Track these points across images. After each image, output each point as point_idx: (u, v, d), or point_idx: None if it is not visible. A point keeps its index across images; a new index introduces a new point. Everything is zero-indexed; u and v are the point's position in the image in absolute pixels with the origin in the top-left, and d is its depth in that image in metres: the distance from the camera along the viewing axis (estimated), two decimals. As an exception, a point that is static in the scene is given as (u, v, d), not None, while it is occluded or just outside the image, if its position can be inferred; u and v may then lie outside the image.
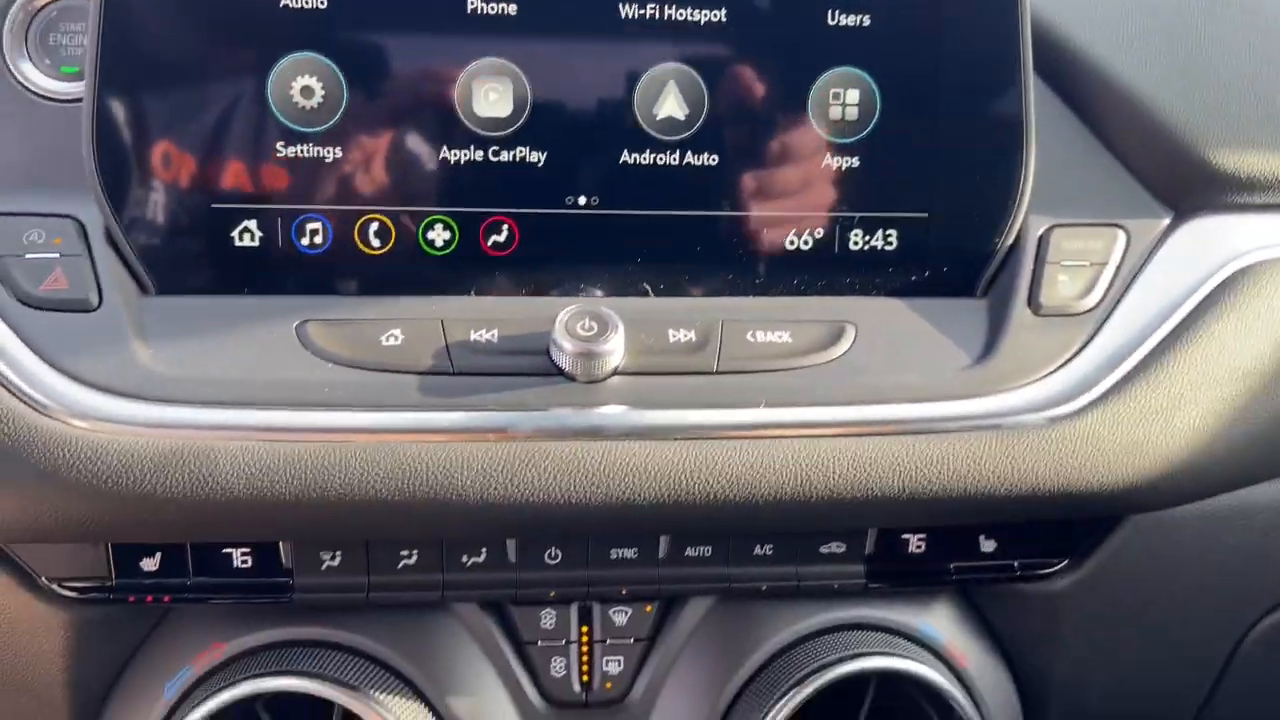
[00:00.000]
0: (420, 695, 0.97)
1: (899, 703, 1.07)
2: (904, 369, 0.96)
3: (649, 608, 1.02)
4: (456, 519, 0.88)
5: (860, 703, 1.05)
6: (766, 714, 0.98)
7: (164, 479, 0.84)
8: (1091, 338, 0.97)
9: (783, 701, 0.98)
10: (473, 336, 0.91)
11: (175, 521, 0.86)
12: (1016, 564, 1.02)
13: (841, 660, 0.99)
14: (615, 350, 0.89)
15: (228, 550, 0.94)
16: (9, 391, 0.86)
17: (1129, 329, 0.97)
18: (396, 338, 0.91)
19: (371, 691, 0.95)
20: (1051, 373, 0.96)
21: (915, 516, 0.95)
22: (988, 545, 1.02)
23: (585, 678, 1.02)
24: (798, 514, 0.92)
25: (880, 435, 0.92)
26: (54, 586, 0.93)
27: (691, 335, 0.94)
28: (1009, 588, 1.05)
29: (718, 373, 0.93)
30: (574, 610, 1.01)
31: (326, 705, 1.03)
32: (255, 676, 0.94)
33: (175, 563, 0.94)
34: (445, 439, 0.88)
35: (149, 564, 0.94)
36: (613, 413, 0.90)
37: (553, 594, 0.99)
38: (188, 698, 0.97)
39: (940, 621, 1.07)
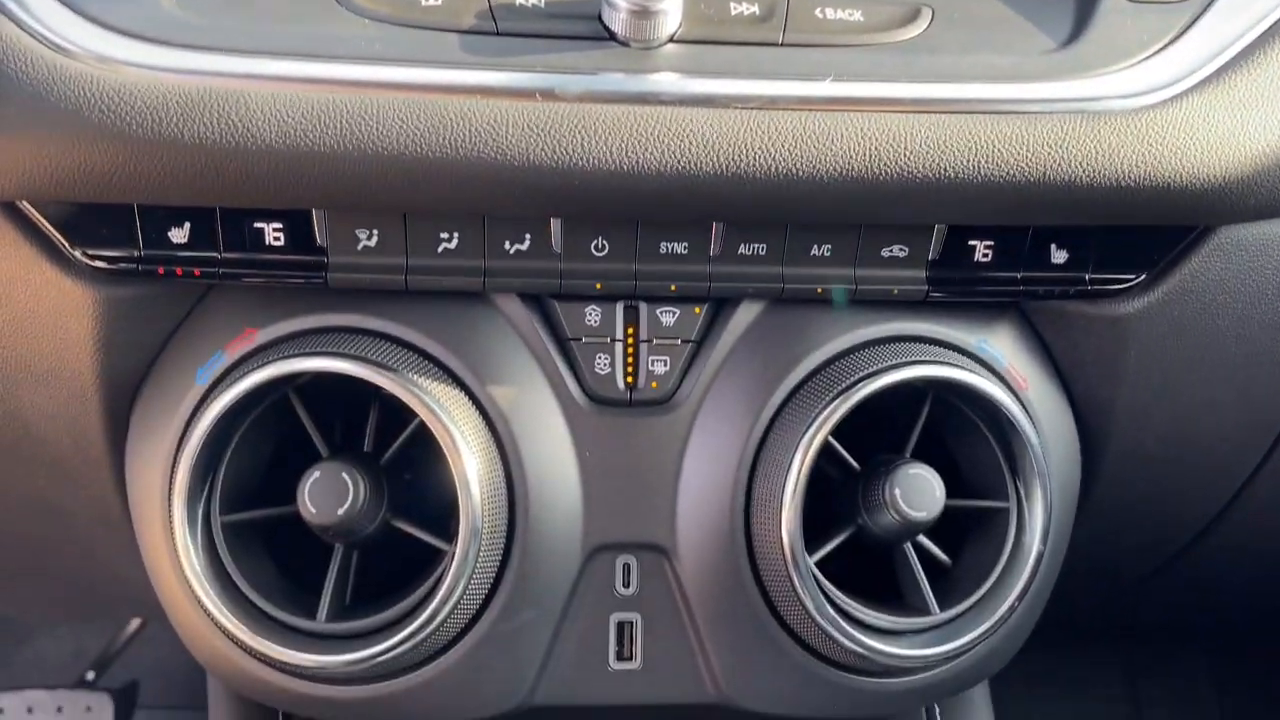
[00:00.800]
0: (460, 384, 0.94)
1: (952, 425, 1.04)
2: (984, 51, 0.89)
3: (698, 309, 0.97)
4: (498, 186, 0.83)
5: (913, 424, 1.01)
6: (815, 418, 0.94)
7: (192, 122, 0.80)
8: (1190, 25, 0.90)
9: (833, 406, 0.94)
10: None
11: (203, 173, 0.82)
12: (1088, 277, 0.97)
13: (896, 367, 0.95)
14: (671, 11, 0.83)
15: (259, 225, 0.90)
16: (30, 35, 0.81)
17: (1232, 16, 0.90)
18: None
19: (411, 375, 0.91)
20: (1145, 59, 0.89)
21: (988, 209, 0.89)
22: (1059, 256, 0.96)
23: (630, 377, 0.98)
24: (863, 197, 0.86)
25: (958, 114, 0.85)
26: (81, 257, 0.89)
27: (755, 8, 0.88)
28: (1076, 310, 1.00)
29: (783, 45, 0.87)
30: (619, 308, 0.97)
31: (362, 400, 1.01)
32: (288, 357, 0.91)
33: (205, 235, 0.89)
34: (489, 98, 0.82)
35: (178, 235, 0.89)
36: (668, 79, 0.84)
37: (599, 286, 0.94)
38: (220, 383, 0.94)
39: (1002, 342, 1.01)
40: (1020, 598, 0.98)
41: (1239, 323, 1.01)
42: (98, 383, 0.97)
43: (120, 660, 2.29)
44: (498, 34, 0.85)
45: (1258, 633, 2.31)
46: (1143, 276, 0.97)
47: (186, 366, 0.96)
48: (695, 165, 0.83)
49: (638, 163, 0.82)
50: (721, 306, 0.98)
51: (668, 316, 0.97)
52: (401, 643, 0.90)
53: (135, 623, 2.28)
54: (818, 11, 0.88)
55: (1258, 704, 2.32)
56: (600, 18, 0.85)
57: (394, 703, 0.96)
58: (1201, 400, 1.07)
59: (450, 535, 0.92)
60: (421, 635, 0.90)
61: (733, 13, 0.88)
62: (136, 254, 0.89)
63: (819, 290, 0.96)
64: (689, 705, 1.00)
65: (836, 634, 0.94)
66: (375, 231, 0.91)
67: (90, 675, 2.22)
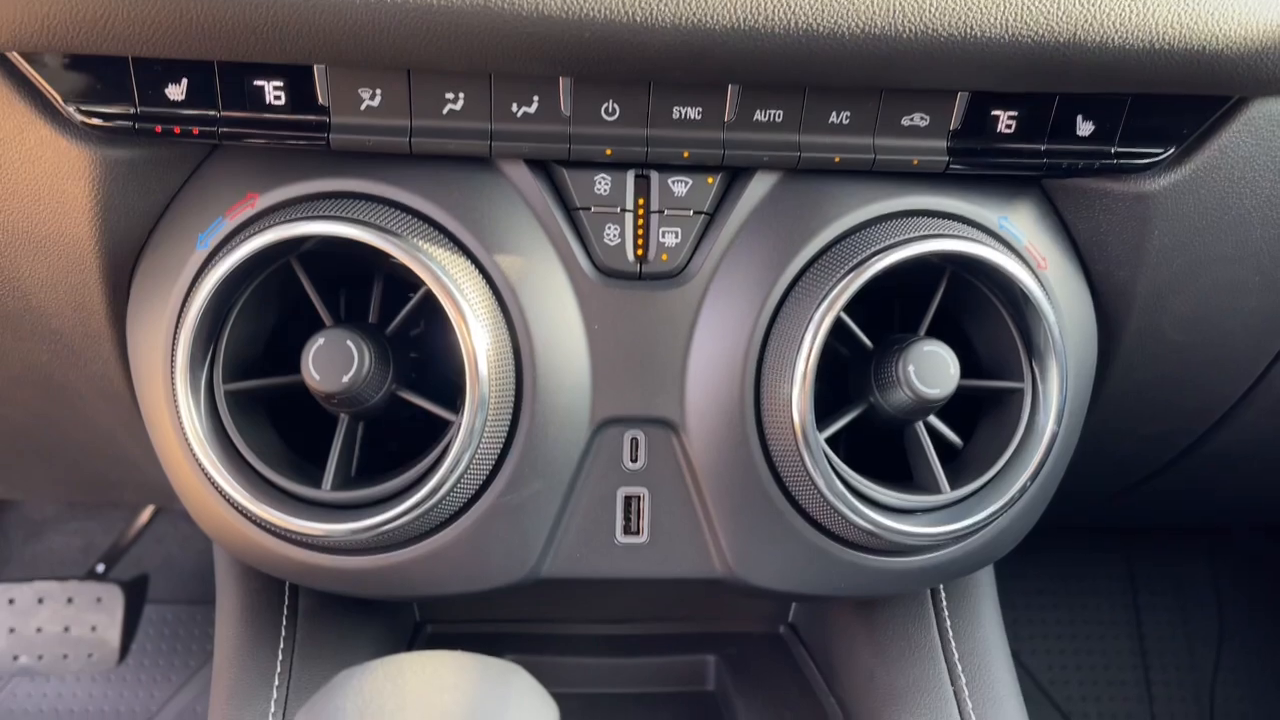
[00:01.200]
0: (467, 252, 0.92)
1: (968, 304, 1.02)
2: None
3: (711, 180, 0.94)
4: (505, 37, 0.80)
5: (928, 302, 0.99)
6: (829, 293, 0.91)
7: None
8: None
9: (847, 280, 0.91)
10: None
11: (199, 20, 0.78)
12: (1114, 150, 0.94)
13: (913, 241, 0.92)
14: None
15: (259, 83, 0.87)
16: None
17: None
18: None
19: (416, 241, 0.89)
20: None
21: (1015, 71, 0.86)
22: (1085, 128, 0.93)
23: (640, 249, 0.95)
24: (885, 57, 0.83)
25: None
26: (76, 115, 0.87)
27: None
28: (1099, 187, 0.97)
29: None
30: (630, 177, 0.94)
31: (366, 271, 0.99)
32: (290, 221, 0.89)
33: (203, 93, 0.87)
34: None
35: (175, 91, 0.86)
36: (683, -71, 0.80)
37: (608, 152, 0.91)
38: (222, 248, 0.92)
39: (1022, 220, 0.99)
40: (1032, 478, 0.97)
41: (1266, 203, 0.99)
42: (97, 249, 0.95)
43: (129, 556, 2.31)
44: None
45: (1257, 529, 2.32)
46: (1170, 151, 0.94)
47: (187, 232, 0.94)
48: (711, 17, 0.80)
49: (651, 13, 0.79)
50: (735, 177, 0.96)
51: (680, 186, 0.94)
52: (407, 512, 0.90)
53: (144, 518, 2.30)
54: None
55: (1256, 602, 2.35)
56: None
57: (401, 573, 0.96)
58: (1223, 284, 1.05)
59: (457, 409, 0.91)
60: (427, 505, 0.90)
61: None
62: (133, 111, 0.87)
63: (836, 160, 0.93)
64: (694, 580, 1.00)
65: (847, 511, 0.93)
66: (378, 91, 0.88)
67: (100, 568, 2.24)
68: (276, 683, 1.04)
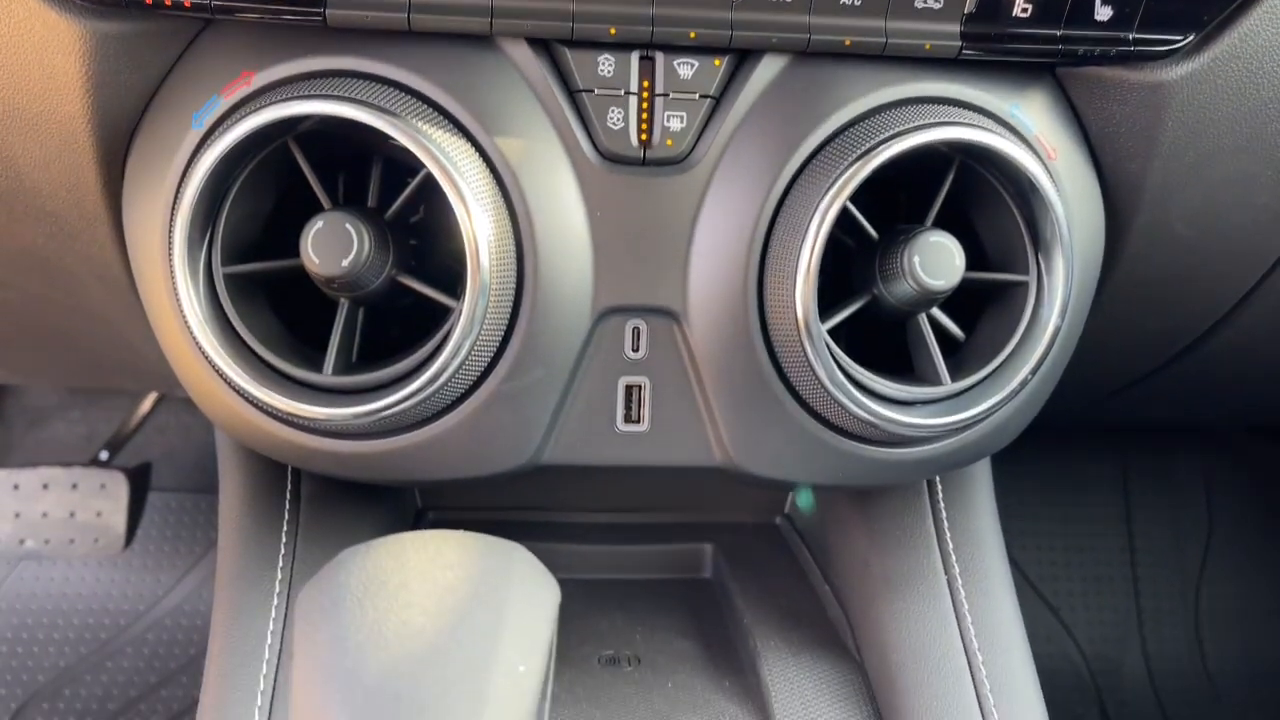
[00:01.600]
0: (467, 134, 0.90)
1: (975, 195, 1.00)
2: None
3: (718, 62, 0.92)
4: None
5: (935, 191, 0.97)
6: (836, 181, 0.90)
7: None
8: None
9: (855, 168, 0.90)
10: None
11: None
12: (1131, 36, 0.91)
13: (923, 128, 0.91)
14: None
15: None
16: None
17: None
18: None
19: (416, 122, 0.87)
20: None
21: None
22: (1103, 12, 0.90)
23: (644, 133, 0.94)
24: None
25: None
26: None
27: None
28: (1113, 75, 0.95)
29: None
30: (634, 58, 0.92)
31: (365, 154, 0.98)
32: (288, 100, 0.87)
33: None
34: None
35: None
36: None
37: (613, 31, 0.89)
38: (218, 127, 0.90)
39: (1033, 109, 0.97)
40: (1034, 371, 0.97)
41: None
42: (90, 127, 0.93)
43: (132, 444, 2.33)
44: None
45: (1253, 430, 2.35)
46: (1190, 38, 0.92)
47: (181, 110, 0.92)
48: None
49: None
50: (743, 60, 0.93)
51: (685, 69, 0.92)
52: (409, 397, 0.90)
53: (145, 407, 2.31)
54: None
55: (1245, 502, 2.38)
56: None
57: (402, 457, 0.97)
58: (1234, 177, 1.03)
59: (458, 295, 0.90)
60: (429, 390, 0.90)
61: None
62: None
63: (847, 43, 0.90)
64: (694, 468, 1.01)
65: (847, 402, 0.93)
66: None
67: (104, 455, 2.26)
68: (280, 564, 1.06)
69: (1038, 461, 2.33)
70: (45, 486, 2.19)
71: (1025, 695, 1.02)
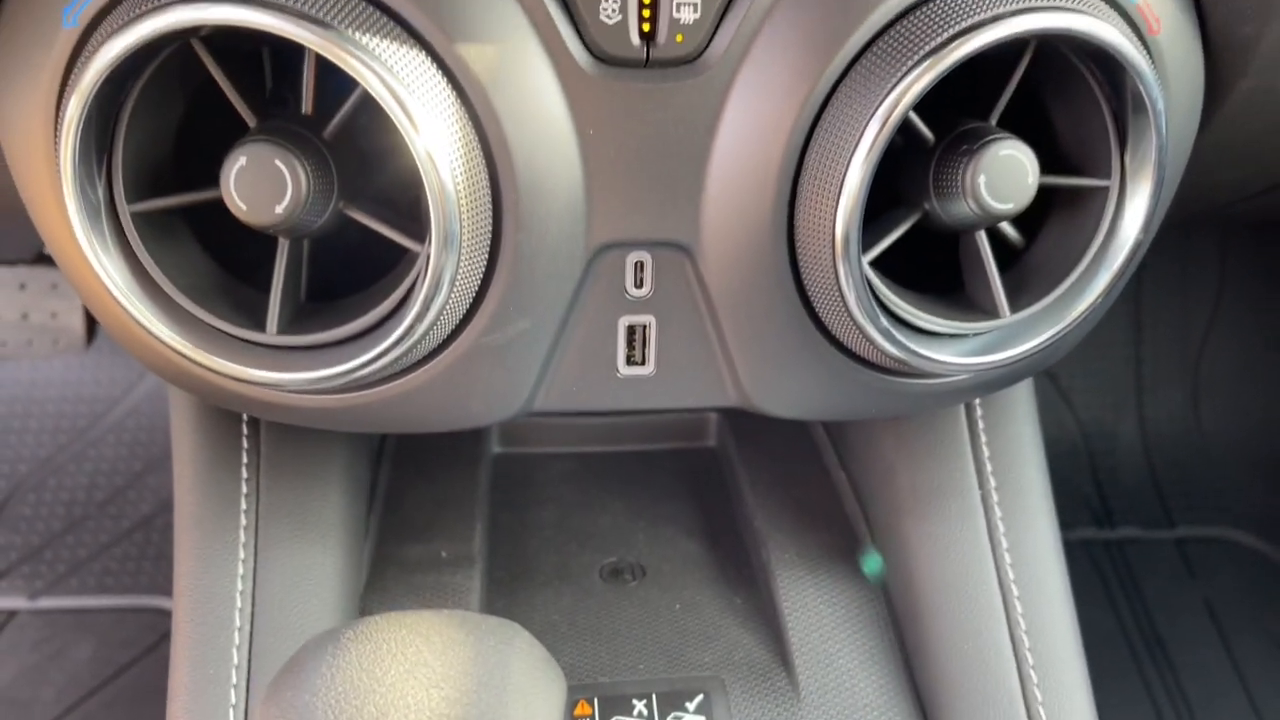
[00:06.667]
0: (419, 41, 0.70)
1: (1053, 78, 0.82)
2: None
3: (740, -70, 0.71)
4: None
5: (1005, 79, 0.79)
6: (898, 83, 0.71)
7: None
8: None
9: (919, 70, 0.71)
10: None
11: None
12: None
13: (996, 20, 0.71)
14: None
15: None
16: None
17: None
18: None
19: (351, 32, 0.67)
20: None
21: None
22: None
23: (646, 26, 0.73)
24: None
25: None
26: None
27: None
28: None
29: None
30: (634, -72, 0.70)
31: (293, 48, 0.77)
32: (187, 1, 0.66)
33: None
34: None
35: None
36: None
37: (606, -102, 0.67)
38: (97, 27, 0.70)
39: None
40: (1105, 294, 0.83)
41: None
42: None
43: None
44: None
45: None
46: None
47: (48, 3, 0.71)
48: None
49: None
50: None
51: None
52: (368, 363, 0.75)
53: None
54: None
55: (1256, 270, 2.30)
56: None
57: (370, 411, 0.83)
58: None
59: (422, 230, 0.73)
60: (393, 354, 0.75)
61: None
62: None
63: None
64: (705, 409, 0.88)
65: (887, 345, 0.79)
66: None
67: (48, 249, 2.09)
68: (244, 506, 0.95)
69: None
70: (22, 287, 2.03)
71: (1064, 646, 0.94)
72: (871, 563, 0.90)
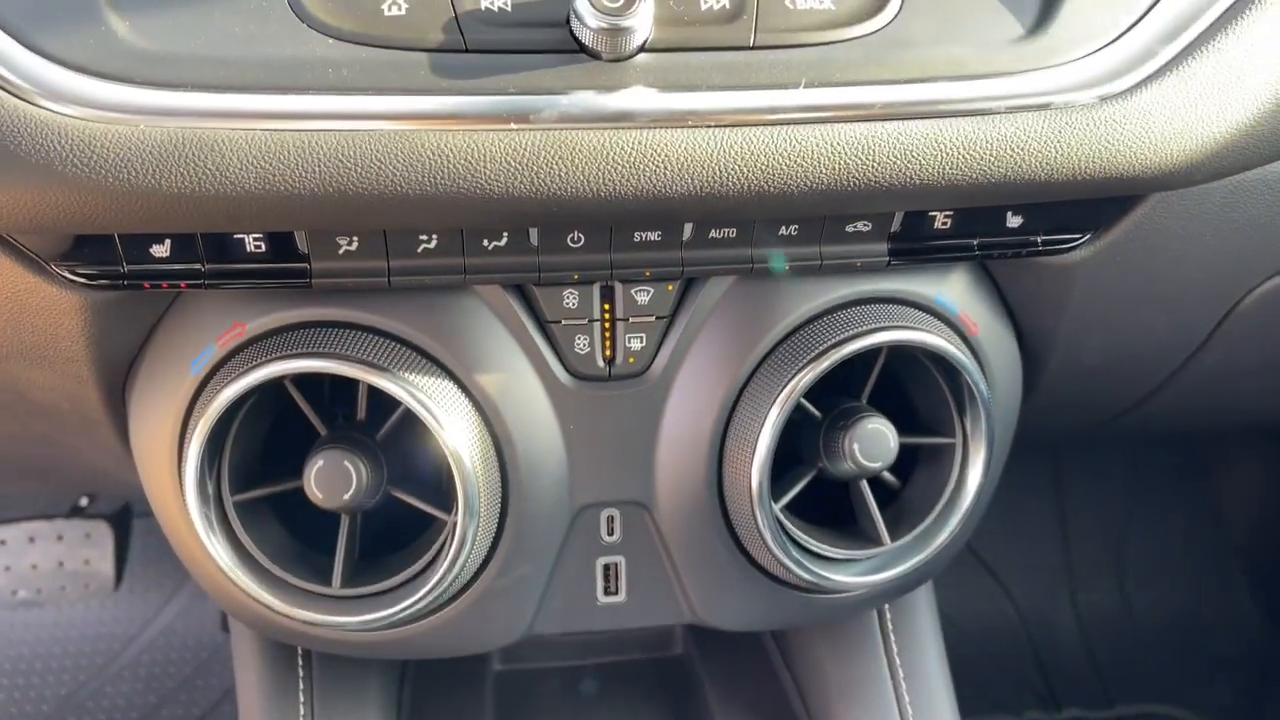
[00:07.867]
0: (448, 372, 0.99)
1: (907, 368, 1.11)
2: (951, 41, 0.89)
3: (670, 286, 1.02)
4: (478, 211, 0.85)
5: (869, 371, 1.08)
6: (785, 385, 1.01)
7: (168, 173, 0.80)
8: (1153, 6, 0.91)
9: (801, 374, 1.00)
10: (484, 4, 0.84)
11: (183, 215, 0.82)
12: (1039, 239, 1.02)
13: (856, 336, 1.01)
14: (642, 25, 0.82)
15: (240, 236, 0.91)
16: None
17: None
18: (400, 6, 0.83)
19: (400, 372, 0.96)
20: (1107, 45, 0.90)
21: (951, 199, 0.93)
22: (1014, 221, 1.00)
23: (608, 353, 1.03)
24: (833, 201, 0.89)
25: (923, 118, 0.87)
26: (63, 273, 0.91)
27: (725, 2, 0.86)
28: (1026, 260, 1.05)
29: (753, 48, 0.86)
30: (596, 290, 1.01)
31: (348, 381, 1.06)
32: (282, 358, 0.95)
33: (187, 248, 0.91)
34: (464, 126, 0.82)
35: (159, 250, 0.90)
36: (641, 96, 0.85)
37: (575, 276, 0.98)
38: (215, 375, 0.98)
39: (956, 291, 1.07)
40: (962, 523, 1.10)
41: (1174, 262, 1.08)
42: (91, 366, 1.00)
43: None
44: (465, 50, 0.83)
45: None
46: (1088, 236, 1.03)
47: (180, 357, 0.99)
48: (670, 188, 0.85)
49: (614, 189, 0.84)
50: (692, 282, 1.02)
51: (642, 295, 1.01)
52: (409, 606, 1.01)
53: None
54: (788, 2, 0.87)
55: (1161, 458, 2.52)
56: (570, 28, 0.84)
57: (407, 642, 1.08)
58: (1136, 324, 1.16)
59: (449, 502, 1.00)
60: (429, 599, 1.00)
61: (703, 7, 0.86)
62: (120, 270, 0.91)
63: (787, 267, 1.00)
64: (667, 627, 1.13)
65: (798, 570, 1.06)
66: (355, 239, 0.92)
67: (84, 501, 2.33)
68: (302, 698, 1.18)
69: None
70: (31, 540, 2.26)
71: None
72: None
